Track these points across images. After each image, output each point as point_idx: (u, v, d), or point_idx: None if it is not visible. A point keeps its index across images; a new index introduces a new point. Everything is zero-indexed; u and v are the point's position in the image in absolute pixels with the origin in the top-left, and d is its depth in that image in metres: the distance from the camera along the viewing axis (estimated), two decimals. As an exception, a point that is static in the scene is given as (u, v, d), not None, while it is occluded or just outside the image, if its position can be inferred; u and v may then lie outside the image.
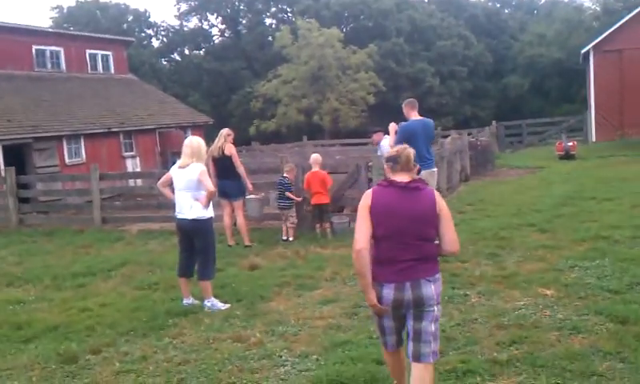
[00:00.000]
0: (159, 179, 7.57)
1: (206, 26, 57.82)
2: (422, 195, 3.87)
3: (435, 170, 9.48)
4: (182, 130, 25.48)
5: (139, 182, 17.33)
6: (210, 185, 6.84)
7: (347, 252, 9.21)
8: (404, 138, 8.83)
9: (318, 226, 10.65)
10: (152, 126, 24.46)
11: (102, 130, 21.83)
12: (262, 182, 11.82)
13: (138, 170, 22.98)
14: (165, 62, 57.54)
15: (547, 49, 51.27)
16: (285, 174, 10.73)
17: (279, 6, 56.47)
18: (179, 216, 7.02)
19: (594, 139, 27.02)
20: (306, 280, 7.84)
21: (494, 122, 25.33)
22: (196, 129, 27.07)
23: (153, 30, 58.77)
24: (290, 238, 10.51)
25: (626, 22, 26.70)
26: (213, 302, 6.99)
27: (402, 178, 3.92)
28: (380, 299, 3.86)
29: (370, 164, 10.70)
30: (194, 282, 7.23)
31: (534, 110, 46.62)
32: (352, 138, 30.69)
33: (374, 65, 40.40)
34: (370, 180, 10.60)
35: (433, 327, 3.88)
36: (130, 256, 10.16)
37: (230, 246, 10.18)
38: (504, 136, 28.14)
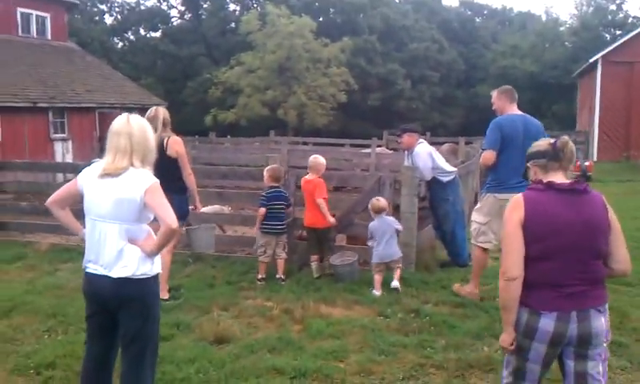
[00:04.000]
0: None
1: (164, 6, 53.92)
2: (592, 200, 3.08)
3: None
4: (128, 113, 21.52)
5: (61, 176, 13.42)
6: (170, 216, 3.38)
7: (370, 316, 5.88)
8: (501, 138, 5.97)
9: (314, 260, 7.26)
10: (91, 105, 20.51)
11: (24, 104, 17.78)
12: (231, 191, 8.30)
13: (70, 156, 19.07)
14: (117, 41, 53.26)
15: (521, 61, 49.83)
16: (273, 183, 7.25)
17: (245, -9, 52.83)
18: (91, 270, 3.55)
19: (595, 159, 24.26)
20: (321, 386, 4.40)
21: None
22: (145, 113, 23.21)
23: (106, 6, 54.29)
24: (283, 276, 7.11)
25: (640, 32, 24.17)
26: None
27: (560, 178, 3.09)
28: (532, 332, 3.02)
29: (397, 178, 7.32)
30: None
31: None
32: (319, 137, 27.24)
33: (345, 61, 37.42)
34: (397, 206, 7.27)
35: (601, 368, 3.09)
36: (24, 293, 6.54)
37: (163, 299, 6.26)
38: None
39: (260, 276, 7.04)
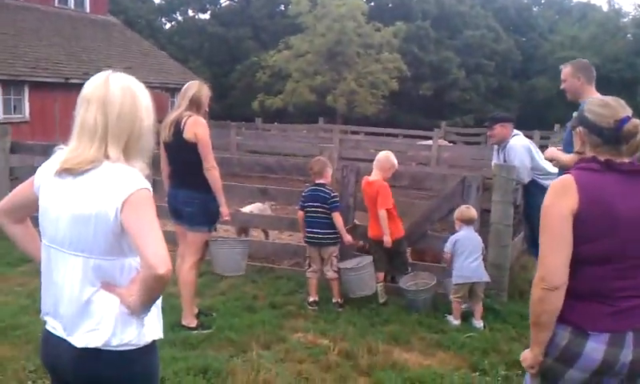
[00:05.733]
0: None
1: (213, -14, 52.80)
2: None
3: None
4: (169, 93, 20.27)
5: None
6: (155, 250, 1.93)
7: (461, 369, 4.38)
8: None
9: (380, 279, 5.76)
10: (128, 83, 19.19)
11: (55, 80, 16.63)
12: (276, 189, 6.85)
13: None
14: (165, 21, 52.54)
15: (581, 53, 47.11)
16: (319, 180, 5.75)
17: (294, -28, 51.39)
18: (49, 326, 2.15)
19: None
20: None
21: (556, 126, 20.70)
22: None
23: (155, -15, 53.54)
24: (340, 300, 5.68)
25: None
26: None
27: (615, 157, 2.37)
28: (573, 358, 2.30)
29: (487, 179, 5.79)
30: None
31: (559, 118, 42.51)
32: (368, 126, 25.38)
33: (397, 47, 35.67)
34: (487, 211, 5.74)
35: None
36: (19, 311, 5.33)
37: (189, 327, 4.96)
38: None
39: (311, 298, 5.63)
